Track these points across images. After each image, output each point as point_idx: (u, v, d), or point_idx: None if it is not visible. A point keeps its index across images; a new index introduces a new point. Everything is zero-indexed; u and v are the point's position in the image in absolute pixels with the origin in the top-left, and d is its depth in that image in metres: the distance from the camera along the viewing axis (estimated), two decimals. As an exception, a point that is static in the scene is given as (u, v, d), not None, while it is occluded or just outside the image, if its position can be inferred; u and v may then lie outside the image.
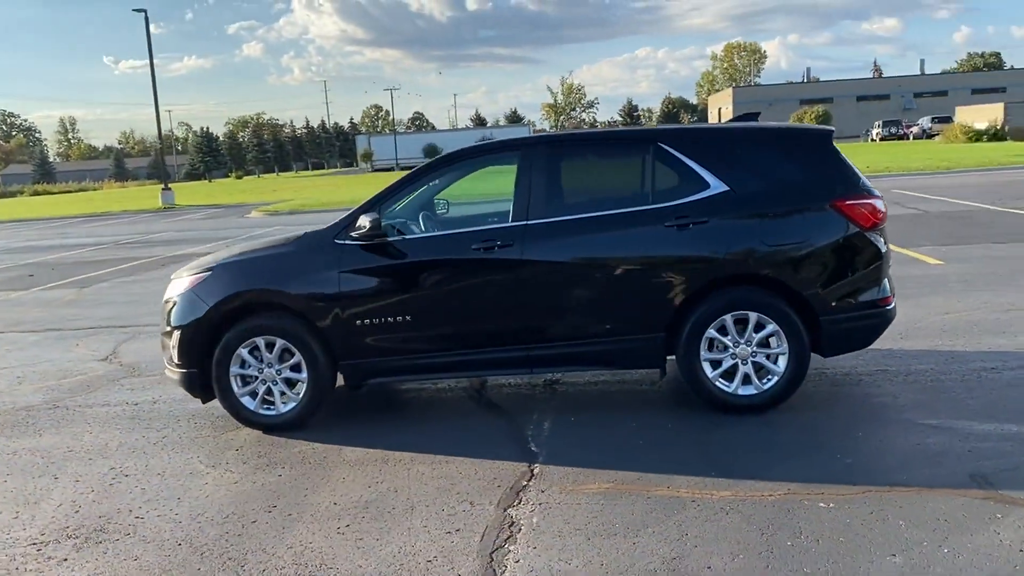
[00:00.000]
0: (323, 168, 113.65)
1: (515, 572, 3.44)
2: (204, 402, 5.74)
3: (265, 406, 5.46)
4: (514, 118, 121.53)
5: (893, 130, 62.97)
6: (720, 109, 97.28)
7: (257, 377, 5.44)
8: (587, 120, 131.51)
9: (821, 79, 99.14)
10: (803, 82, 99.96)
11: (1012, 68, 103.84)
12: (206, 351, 5.44)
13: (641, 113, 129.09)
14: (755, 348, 5.08)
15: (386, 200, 5.47)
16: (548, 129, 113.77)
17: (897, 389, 5.42)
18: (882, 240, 5.15)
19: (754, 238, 5.03)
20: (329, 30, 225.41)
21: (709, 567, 3.37)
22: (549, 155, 5.33)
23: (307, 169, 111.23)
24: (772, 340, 5.06)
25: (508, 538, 3.73)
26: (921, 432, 4.66)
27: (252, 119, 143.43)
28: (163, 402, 6.32)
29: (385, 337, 5.30)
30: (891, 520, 3.65)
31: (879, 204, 5.11)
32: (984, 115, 53.53)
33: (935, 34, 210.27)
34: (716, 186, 5.11)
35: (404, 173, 5.77)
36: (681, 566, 3.39)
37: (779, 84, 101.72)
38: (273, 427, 5.44)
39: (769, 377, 5.10)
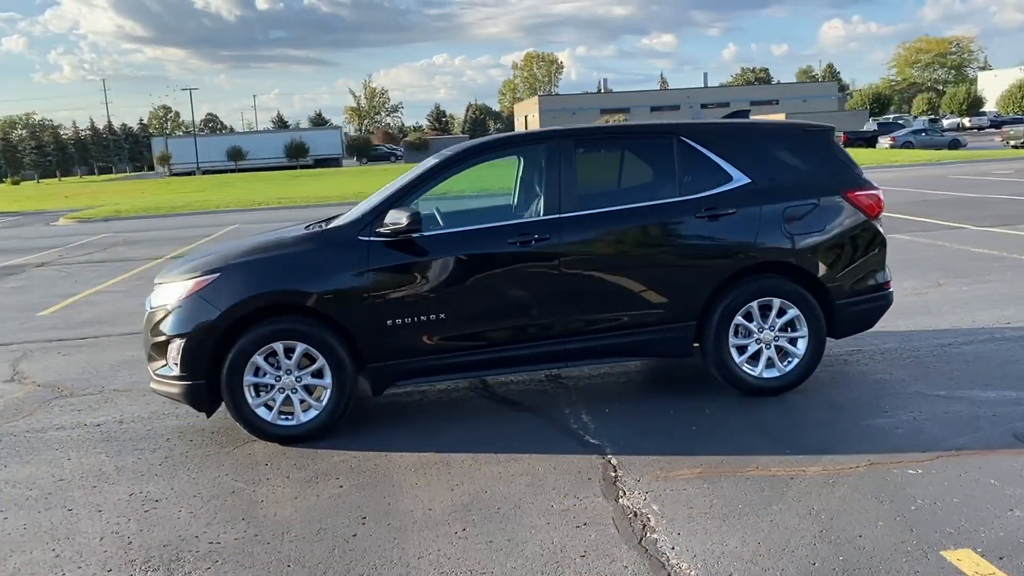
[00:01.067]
0: (111, 172, 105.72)
1: (679, 558, 3.44)
2: (208, 415, 5.27)
3: (283, 417, 5.09)
4: (319, 120, 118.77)
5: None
6: (527, 117, 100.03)
7: (274, 386, 5.06)
8: (392, 125, 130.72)
9: (614, 90, 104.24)
10: (601, 92, 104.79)
11: (779, 82, 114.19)
12: (215, 360, 5.00)
13: (449, 119, 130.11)
14: (778, 333, 5.35)
15: (413, 193, 5.26)
16: (352, 132, 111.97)
17: (885, 367, 5.87)
18: (882, 229, 5.57)
19: (778, 228, 5.28)
20: (103, 25, 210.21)
21: (860, 535, 3.53)
22: (576, 148, 5.34)
23: (93, 173, 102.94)
24: (793, 325, 5.34)
25: (644, 527, 3.72)
26: (939, 402, 5.08)
27: (21, 119, 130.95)
28: (131, 421, 5.72)
29: (417, 336, 5.09)
30: (983, 480, 3.97)
31: (880, 195, 5.53)
32: (769, 125, 58.48)
33: (707, 50, 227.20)
34: (739, 178, 5.33)
35: (407, 170, 5.54)
36: (833, 538, 3.52)
37: (580, 94, 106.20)
38: (292, 439, 5.07)
39: (790, 360, 5.38)
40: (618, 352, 5.30)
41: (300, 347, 5.01)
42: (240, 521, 4.06)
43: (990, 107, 68.29)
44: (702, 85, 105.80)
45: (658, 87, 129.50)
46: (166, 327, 5.08)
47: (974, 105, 64.28)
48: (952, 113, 63.65)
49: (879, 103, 69.60)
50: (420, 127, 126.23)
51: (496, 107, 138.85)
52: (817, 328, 5.34)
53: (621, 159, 5.47)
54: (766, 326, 5.33)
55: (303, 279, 5.04)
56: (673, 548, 3.52)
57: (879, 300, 5.52)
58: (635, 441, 4.76)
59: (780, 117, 58.80)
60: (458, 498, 4.15)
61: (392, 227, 4.99)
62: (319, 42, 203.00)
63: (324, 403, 5.07)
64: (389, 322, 5.05)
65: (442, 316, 5.08)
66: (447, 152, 5.43)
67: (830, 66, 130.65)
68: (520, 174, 5.85)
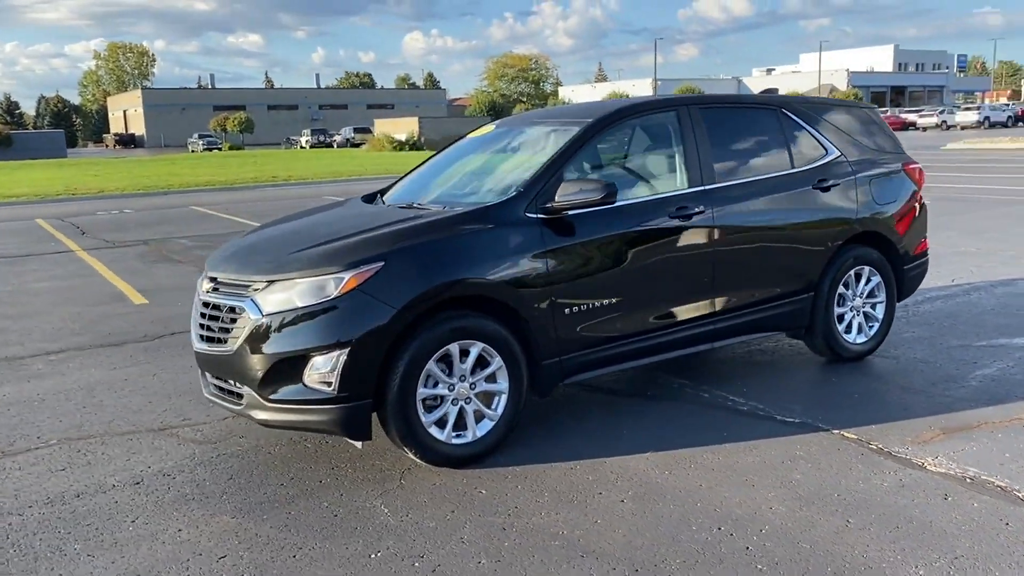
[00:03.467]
0: None
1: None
2: (362, 444, 4.14)
3: (456, 433, 4.18)
4: None
5: (321, 138, 66.64)
6: (126, 111, 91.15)
7: (446, 397, 4.14)
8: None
9: (221, 87, 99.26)
10: (205, 88, 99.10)
11: (382, 87, 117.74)
12: (382, 371, 3.95)
13: (24, 113, 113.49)
14: (864, 299, 5.62)
15: (569, 163, 4.59)
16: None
17: (897, 327, 6.44)
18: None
19: (870, 199, 5.54)
20: None
21: None
22: (703, 117, 5.08)
23: None
24: (874, 292, 5.65)
25: (976, 481, 3.72)
26: (990, 353, 5.70)
27: None
28: (213, 462, 4.29)
29: (593, 325, 4.50)
30: None
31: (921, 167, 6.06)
32: (402, 128, 60.17)
33: (297, 52, 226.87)
34: (831, 151, 5.49)
35: (561, 131, 4.84)
36: None
37: (191, 88, 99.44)
38: (470, 459, 4.19)
39: (871, 325, 5.69)
40: (755, 329, 5.16)
41: (477, 347, 4.15)
42: (580, 557, 3.26)
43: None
44: (315, 86, 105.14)
45: (263, 86, 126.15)
46: (306, 336, 3.89)
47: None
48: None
49: (494, 111, 75.06)
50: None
51: (77, 99, 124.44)
52: (891, 294, 5.71)
53: (737, 129, 5.30)
54: (857, 293, 5.57)
55: (483, 266, 4.17)
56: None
57: (925, 265, 6.05)
58: (827, 413, 4.69)
59: (415, 121, 60.84)
60: (789, 490, 3.76)
61: (573, 200, 4.32)
62: None
63: (500, 412, 4.26)
64: (567, 311, 4.38)
65: (613, 300, 4.54)
66: (591, 117, 4.82)
67: (431, 75, 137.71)
68: (639, 144, 5.29)
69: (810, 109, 5.58)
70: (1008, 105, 62.86)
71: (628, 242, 4.57)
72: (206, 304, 4.32)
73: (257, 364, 3.97)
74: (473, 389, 4.19)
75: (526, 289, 4.24)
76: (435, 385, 4.08)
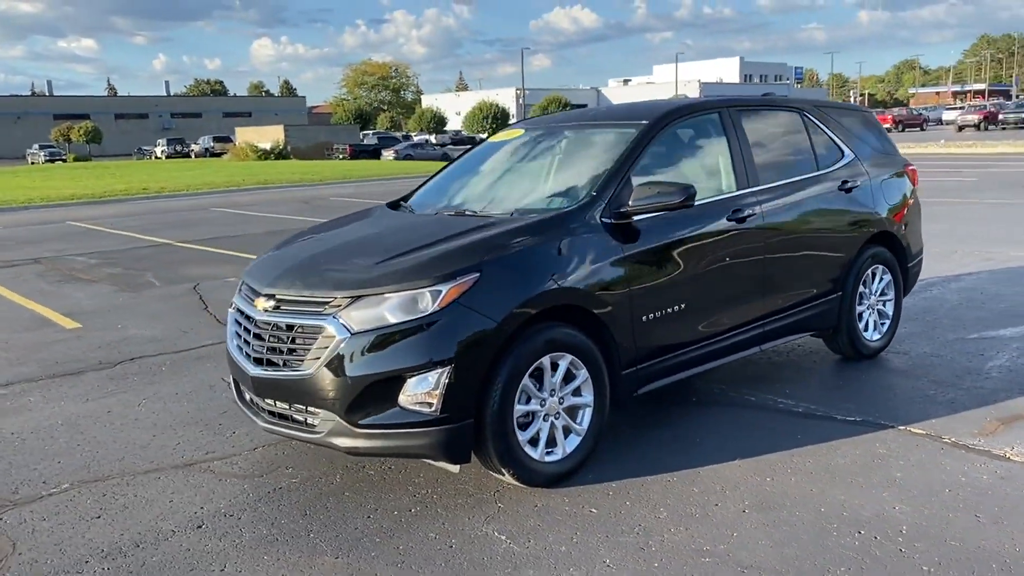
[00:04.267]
0: None
1: None
2: (459, 466, 3.86)
3: (547, 451, 3.97)
4: None
5: (178, 148, 63.58)
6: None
7: (537, 413, 3.93)
8: None
9: (48, 94, 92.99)
10: (49, 95, 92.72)
11: (236, 95, 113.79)
12: (482, 388, 3.71)
13: None
14: (878, 298, 5.78)
15: (632, 165, 4.46)
16: None
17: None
18: None
19: (882, 200, 5.70)
20: None
21: None
22: (741, 119, 5.08)
23: None
24: (884, 291, 5.82)
25: (1091, 473, 3.86)
26: (989, 345, 5.98)
27: None
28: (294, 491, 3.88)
29: (666, 332, 4.40)
30: None
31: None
32: (266, 136, 58.29)
33: (136, 58, 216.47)
34: (847, 154, 5.62)
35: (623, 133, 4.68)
36: None
37: (25, 96, 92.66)
38: (562, 477, 3.99)
39: (883, 321, 5.85)
40: (796, 330, 5.20)
41: (566, 360, 3.97)
42: None
43: (452, 126, 77.41)
44: (165, 93, 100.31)
45: (106, 93, 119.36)
46: (404, 354, 3.59)
47: (440, 124, 72.02)
48: (422, 130, 70.42)
49: (362, 119, 73.79)
50: None
51: None
52: (899, 291, 5.90)
53: (769, 131, 5.31)
54: (872, 292, 5.72)
55: (573, 274, 3.99)
56: None
57: (921, 262, 6.28)
58: (885, 410, 4.76)
59: (281, 129, 58.93)
60: (900, 489, 3.77)
61: (650, 204, 4.20)
62: None
63: (585, 426, 4.09)
64: (644, 318, 4.26)
65: (682, 306, 4.45)
66: (646, 119, 4.70)
67: (287, 83, 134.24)
68: (689, 145, 5.14)
69: (825, 111, 5.69)
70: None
71: (693, 246, 4.49)
72: (265, 324, 3.92)
73: (344, 387, 3.62)
74: (561, 404, 3.99)
75: (610, 297, 4.09)
76: (528, 401, 3.87)
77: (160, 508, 3.94)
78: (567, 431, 4.03)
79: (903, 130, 60.72)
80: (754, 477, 3.97)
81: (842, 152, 5.58)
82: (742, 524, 3.52)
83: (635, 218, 4.26)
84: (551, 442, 3.97)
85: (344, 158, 51.50)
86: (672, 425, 4.70)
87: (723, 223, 4.65)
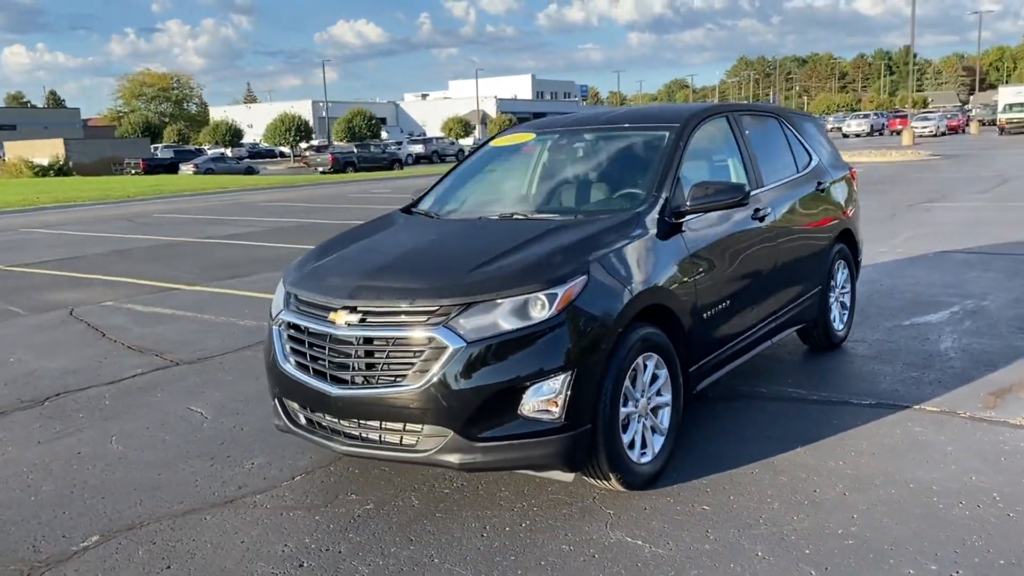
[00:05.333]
0: None
1: None
2: (573, 475, 3.74)
3: (641, 453, 3.96)
4: None
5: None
6: None
7: (633, 415, 3.91)
8: None
9: None
10: None
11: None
12: (596, 393, 3.64)
13: None
14: (840, 291, 6.21)
15: (680, 164, 4.53)
16: None
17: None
18: None
19: (842, 199, 6.13)
20: None
21: None
22: (743, 122, 5.30)
23: None
24: (844, 284, 6.27)
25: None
26: (927, 330, 6.58)
27: None
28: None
29: (718, 328, 4.51)
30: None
31: None
32: (42, 150, 53.49)
33: None
34: (814, 157, 6.00)
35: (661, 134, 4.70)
36: None
37: None
38: (654, 479, 3.99)
39: (844, 312, 6.29)
40: (792, 323, 5.47)
41: (652, 360, 3.98)
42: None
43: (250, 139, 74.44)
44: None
45: None
46: (525, 361, 3.47)
47: (236, 136, 68.93)
48: (217, 143, 67.14)
49: (150, 131, 69.06)
50: None
51: None
52: (854, 283, 6.37)
53: (762, 134, 5.53)
54: (838, 284, 6.14)
55: (660, 274, 4.02)
56: None
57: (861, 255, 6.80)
58: (891, 393, 5.11)
59: (60, 142, 54.00)
60: (963, 463, 4.05)
61: (707, 203, 4.30)
62: None
63: (667, 425, 4.11)
64: (704, 315, 4.35)
65: (729, 303, 4.58)
66: (676, 121, 4.77)
67: (53, 93, 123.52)
68: (708, 147, 5.15)
69: (792, 117, 6.05)
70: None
71: (734, 244, 4.64)
72: (349, 340, 3.61)
73: (463, 400, 3.43)
74: (650, 404, 3.98)
75: (683, 295, 4.14)
76: (626, 403, 3.83)
77: (237, 550, 3.53)
78: (653, 431, 4.02)
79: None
80: (827, 462, 4.14)
81: (810, 156, 5.94)
82: (854, 506, 3.66)
83: (687, 218, 4.33)
84: (643, 443, 3.94)
85: (137, 173, 48.27)
86: (710, 420, 4.79)
87: (749, 221, 4.83)
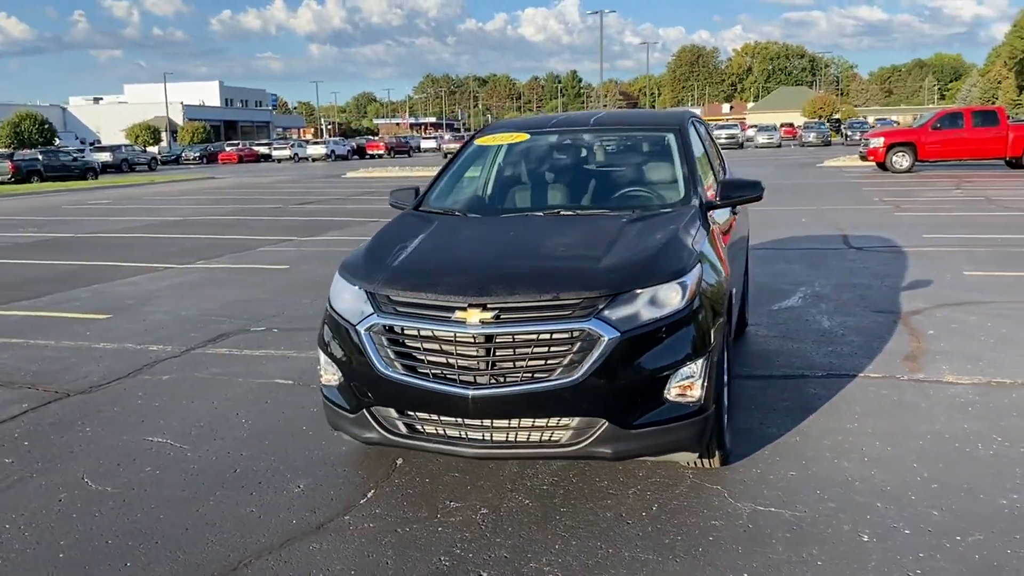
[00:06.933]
0: None
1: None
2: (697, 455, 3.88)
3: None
4: None
5: None
6: None
7: (722, 395, 4.18)
8: None
9: None
10: None
11: None
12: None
13: None
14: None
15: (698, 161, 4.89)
16: None
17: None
18: None
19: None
20: None
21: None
22: (703, 125, 5.78)
23: None
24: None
25: None
26: (803, 314, 7.52)
27: None
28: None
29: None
30: None
31: None
32: None
33: None
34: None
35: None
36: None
37: None
38: (729, 455, 4.27)
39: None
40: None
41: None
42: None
43: None
44: None
45: None
46: (671, 349, 3.60)
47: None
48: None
49: None
50: None
51: None
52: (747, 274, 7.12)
53: (705, 137, 6.03)
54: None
55: (722, 260, 4.31)
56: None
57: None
58: (831, 367, 5.82)
59: None
60: (992, 422, 4.59)
61: (736, 197, 4.75)
62: None
63: (726, 404, 4.40)
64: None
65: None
66: (677, 124, 5.11)
67: None
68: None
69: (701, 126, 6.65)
70: (346, 141, 70.54)
71: (737, 235, 5.08)
72: (489, 338, 3.48)
73: (619, 389, 3.48)
74: (712, 388, 4.25)
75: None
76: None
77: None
78: (721, 410, 4.29)
79: (394, 155, 66.30)
80: (844, 424, 4.65)
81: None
82: (902, 458, 4.17)
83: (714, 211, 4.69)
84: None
85: None
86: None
87: (730, 212, 5.27)
